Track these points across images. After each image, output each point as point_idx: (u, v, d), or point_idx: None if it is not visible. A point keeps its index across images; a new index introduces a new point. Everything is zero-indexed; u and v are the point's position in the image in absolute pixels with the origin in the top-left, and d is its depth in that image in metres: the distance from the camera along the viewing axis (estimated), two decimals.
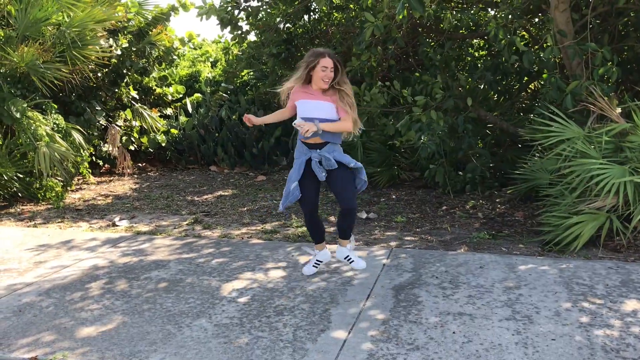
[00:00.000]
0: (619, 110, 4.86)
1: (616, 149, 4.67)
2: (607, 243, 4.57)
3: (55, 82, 7.09)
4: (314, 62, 3.63)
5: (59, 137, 7.02)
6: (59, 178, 7.20)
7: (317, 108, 3.66)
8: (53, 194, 7.04)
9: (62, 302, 3.70)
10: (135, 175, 9.10)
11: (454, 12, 7.08)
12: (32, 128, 6.70)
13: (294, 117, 3.81)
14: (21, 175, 6.89)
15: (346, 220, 3.79)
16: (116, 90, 9.22)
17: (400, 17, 4.64)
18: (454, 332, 3.08)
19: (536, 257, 4.36)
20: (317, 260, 4.04)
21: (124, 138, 9.14)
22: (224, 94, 10.02)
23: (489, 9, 7.30)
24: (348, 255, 3.97)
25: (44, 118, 6.96)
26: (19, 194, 6.99)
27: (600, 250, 4.47)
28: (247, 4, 7.68)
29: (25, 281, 4.12)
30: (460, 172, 6.86)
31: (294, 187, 3.71)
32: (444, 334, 3.06)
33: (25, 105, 6.73)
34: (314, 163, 3.69)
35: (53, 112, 7.24)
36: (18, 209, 6.65)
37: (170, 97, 10.53)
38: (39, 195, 7.03)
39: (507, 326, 3.14)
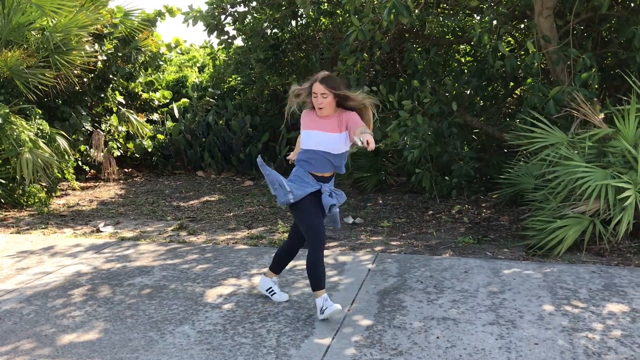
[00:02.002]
0: (601, 115, 4.91)
1: (599, 154, 4.72)
2: (591, 247, 4.61)
3: (40, 87, 7.02)
4: (309, 89, 3.28)
5: (43, 142, 6.94)
6: (43, 184, 7.12)
7: (323, 141, 3.29)
8: (36, 200, 6.96)
9: (44, 309, 3.64)
10: (121, 181, 9.02)
11: (440, 18, 7.12)
12: (15, 133, 6.62)
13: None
14: (4, 181, 6.80)
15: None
16: (102, 95, 9.16)
17: (386, 22, 4.66)
18: (437, 337, 3.08)
19: (520, 262, 4.37)
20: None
21: (110, 143, 9.07)
22: (211, 99, 9.99)
23: (475, 15, 7.36)
24: (271, 287, 3.70)
25: (27, 123, 6.89)
26: (2, 200, 6.90)
27: (584, 254, 4.50)
28: (234, 9, 7.67)
29: (6, 288, 4.05)
30: (446, 177, 6.88)
31: (291, 187, 3.28)
32: (427, 339, 3.06)
33: (7, 110, 6.65)
34: (325, 196, 3.30)
35: (37, 117, 7.17)
36: (1, 216, 6.56)
37: (156, 102, 10.48)
38: (22, 202, 6.95)
39: (491, 331, 3.14)
